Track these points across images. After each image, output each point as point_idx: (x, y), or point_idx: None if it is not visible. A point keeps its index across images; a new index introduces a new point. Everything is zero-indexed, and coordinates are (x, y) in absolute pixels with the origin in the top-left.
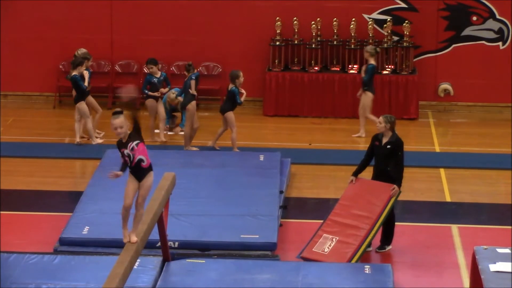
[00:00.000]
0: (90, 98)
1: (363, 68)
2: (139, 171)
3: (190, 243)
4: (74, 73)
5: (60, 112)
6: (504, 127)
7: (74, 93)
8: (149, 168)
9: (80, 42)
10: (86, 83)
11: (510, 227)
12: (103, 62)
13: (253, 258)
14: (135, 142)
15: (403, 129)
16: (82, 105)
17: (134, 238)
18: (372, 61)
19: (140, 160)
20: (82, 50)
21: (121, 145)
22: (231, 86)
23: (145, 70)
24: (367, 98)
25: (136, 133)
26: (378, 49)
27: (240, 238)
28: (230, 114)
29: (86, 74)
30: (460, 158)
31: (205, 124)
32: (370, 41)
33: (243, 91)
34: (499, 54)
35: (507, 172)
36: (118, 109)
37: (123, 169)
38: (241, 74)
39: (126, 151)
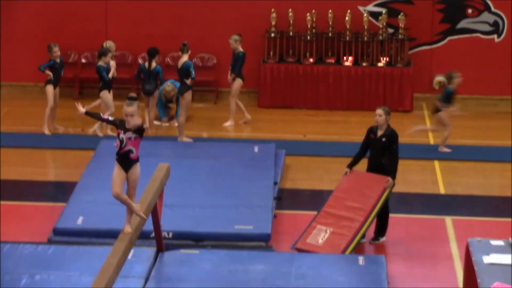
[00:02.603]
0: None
1: None
2: (126, 161)
3: (184, 234)
4: (100, 63)
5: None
6: (499, 120)
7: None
8: (137, 160)
9: (75, 33)
10: (110, 74)
11: (504, 219)
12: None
13: (247, 249)
14: (134, 135)
15: (398, 121)
16: (106, 94)
17: (128, 229)
18: (241, 49)
19: (129, 151)
20: (110, 43)
21: (122, 126)
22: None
23: (140, 61)
24: (237, 84)
25: (139, 130)
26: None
27: (234, 229)
28: None
29: (113, 64)
30: (454, 151)
31: (199, 115)
32: (365, 33)
33: None
34: (494, 47)
35: (501, 165)
36: (133, 95)
37: (90, 113)
38: (458, 75)
39: (121, 135)
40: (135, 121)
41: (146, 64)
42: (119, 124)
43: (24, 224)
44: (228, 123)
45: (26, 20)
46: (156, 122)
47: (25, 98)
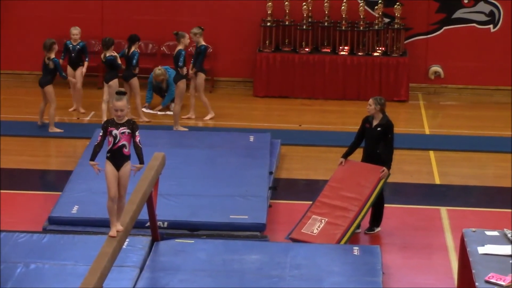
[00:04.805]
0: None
1: None
2: (119, 157)
3: (179, 223)
4: (108, 54)
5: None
6: (494, 110)
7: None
8: (129, 157)
9: (71, 21)
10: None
11: (499, 209)
12: (93, 41)
13: (242, 238)
14: (128, 130)
15: (393, 111)
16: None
17: (119, 227)
18: (202, 42)
19: (123, 146)
20: (75, 28)
21: (112, 124)
22: None
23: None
24: (200, 79)
25: (133, 124)
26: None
27: (229, 218)
28: None
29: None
30: (449, 141)
31: (195, 104)
32: (361, 22)
33: None
34: (490, 37)
35: (496, 155)
36: (121, 89)
37: (94, 157)
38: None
39: (114, 132)
40: (125, 114)
41: (126, 50)
42: (107, 125)
43: (19, 212)
44: (208, 116)
45: (21, 8)
46: (147, 110)
47: (22, 86)
